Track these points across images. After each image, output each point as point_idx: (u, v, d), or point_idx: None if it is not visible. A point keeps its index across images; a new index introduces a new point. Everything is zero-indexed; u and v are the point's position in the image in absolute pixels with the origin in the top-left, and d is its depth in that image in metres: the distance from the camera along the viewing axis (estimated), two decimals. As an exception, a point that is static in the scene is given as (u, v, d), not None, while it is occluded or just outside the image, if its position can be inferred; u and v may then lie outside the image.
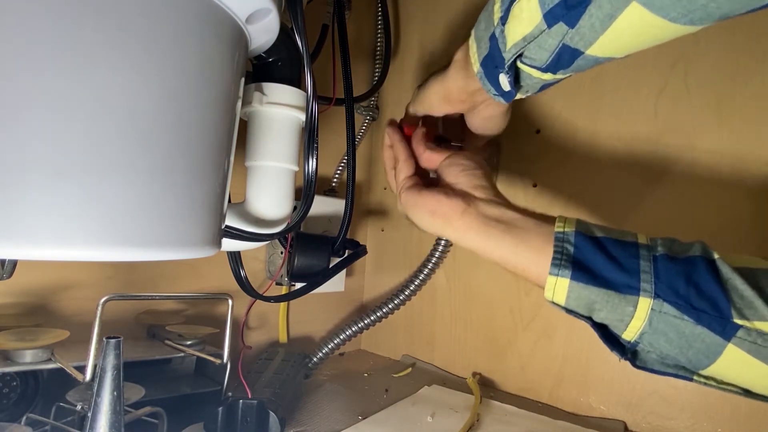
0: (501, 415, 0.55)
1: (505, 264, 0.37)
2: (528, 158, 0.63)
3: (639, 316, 0.32)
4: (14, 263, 0.33)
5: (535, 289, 0.61)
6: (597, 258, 0.33)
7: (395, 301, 0.68)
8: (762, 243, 0.47)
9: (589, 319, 0.35)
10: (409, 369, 0.71)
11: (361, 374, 0.67)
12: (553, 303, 0.35)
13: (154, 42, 0.24)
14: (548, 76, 0.36)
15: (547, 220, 0.37)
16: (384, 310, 0.68)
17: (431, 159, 0.44)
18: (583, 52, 0.32)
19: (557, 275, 0.34)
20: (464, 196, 0.39)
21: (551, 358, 0.61)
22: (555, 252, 0.34)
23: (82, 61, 0.22)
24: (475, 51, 0.37)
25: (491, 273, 0.66)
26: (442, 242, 0.67)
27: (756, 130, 0.48)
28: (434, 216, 0.40)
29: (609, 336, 0.35)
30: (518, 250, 0.36)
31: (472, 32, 0.38)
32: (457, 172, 0.42)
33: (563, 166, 0.60)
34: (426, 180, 0.44)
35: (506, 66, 0.35)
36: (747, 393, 0.32)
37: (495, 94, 0.38)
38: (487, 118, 0.45)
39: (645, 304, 0.31)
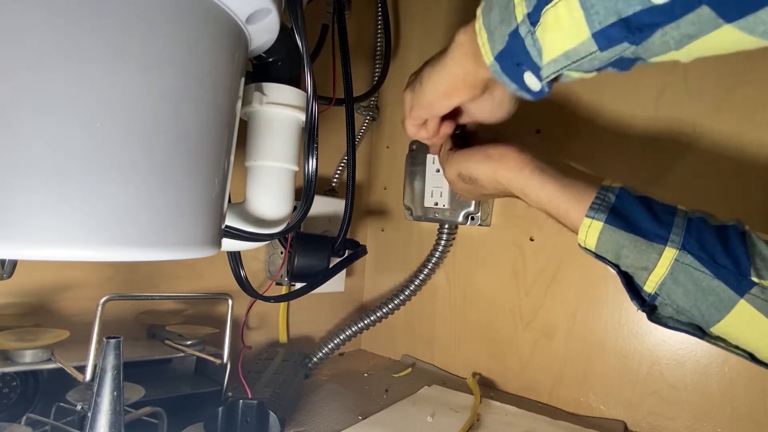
0: (501, 415, 0.55)
1: (547, 206, 0.40)
2: (528, 158, 0.63)
3: (663, 264, 0.34)
4: (14, 263, 0.33)
5: (535, 289, 0.62)
6: (635, 208, 0.36)
7: (395, 301, 0.68)
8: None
9: (616, 266, 0.37)
10: (409, 369, 0.70)
11: (361, 374, 0.67)
12: (585, 249, 0.38)
13: (153, 42, 0.24)
14: (593, 74, 0.32)
15: (597, 177, 0.39)
16: (384, 310, 0.68)
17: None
18: (645, 60, 0.28)
19: (593, 218, 0.36)
20: (521, 143, 0.42)
21: (551, 358, 0.61)
22: (596, 198, 0.37)
23: (81, 62, 0.22)
24: (485, 42, 0.32)
25: (491, 273, 0.66)
26: (442, 242, 0.67)
27: (755, 131, 0.48)
28: (489, 159, 0.42)
29: (632, 286, 0.37)
30: (563, 193, 0.38)
31: (479, 17, 0.32)
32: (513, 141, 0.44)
33: (563, 166, 0.60)
34: None
35: (543, 80, 0.31)
36: (752, 358, 0.34)
37: (517, 89, 0.33)
38: (498, 103, 0.40)
39: (670, 253, 0.34)
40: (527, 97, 0.34)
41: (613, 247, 0.36)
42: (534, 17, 0.28)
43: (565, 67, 0.29)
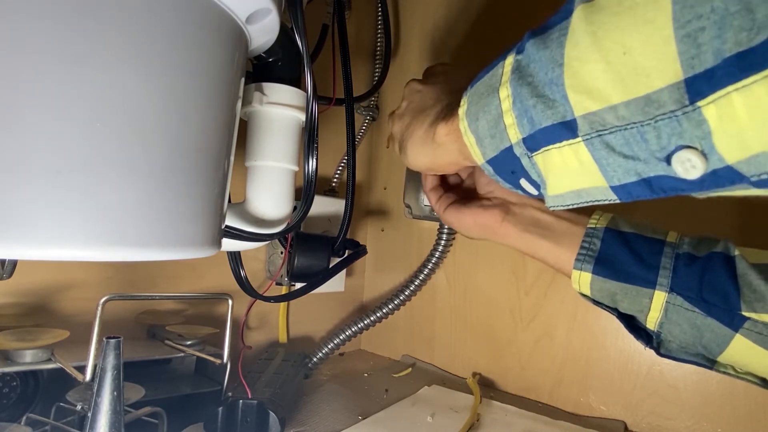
0: (501, 415, 0.55)
1: (545, 263, 0.40)
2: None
3: (655, 307, 0.35)
4: (14, 263, 0.33)
5: (535, 289, 0.62)
6: (621, 252, 0.36)
7: (395, 301, 0.68)
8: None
9: (615, 310, 0.37)
10: (409, 369, 0.71)
11: (361, 374, 0.67)
12: (582, 295, 0.38)
13: (153, 42, 0.24)
14: None
15: (581, 218, 0.39)
16: (384, 310, 0.68)
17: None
18: None
19: (580, 269, 0.37)
20: (501, 206, 0.42)
21: (551, 358, 0.61)
22: (581, 248, 0.37)
23: (80, 62, 0.22)
24: (474, 144, 0.29)
25: (491, 273, 0.66)
26: (442, 242, 0.67)
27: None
28: (479, 227, 0.43)
29: (634, 326, 0.37)
30: (553, 251, 0.39)
31: (462, 119, 0.30)
32: (489, 181, 0.44)
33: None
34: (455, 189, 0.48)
35: (550, 206, 0.28)
36: (764, 383, 0.34)
37: (512, 189, 0.31)
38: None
39: (660, 296, 0.34)
40: (520, 193, 0.31)
41: (607, 294, 0.37)
42: (531, 144, 0.26)
43: (576, 204, 0.27)
